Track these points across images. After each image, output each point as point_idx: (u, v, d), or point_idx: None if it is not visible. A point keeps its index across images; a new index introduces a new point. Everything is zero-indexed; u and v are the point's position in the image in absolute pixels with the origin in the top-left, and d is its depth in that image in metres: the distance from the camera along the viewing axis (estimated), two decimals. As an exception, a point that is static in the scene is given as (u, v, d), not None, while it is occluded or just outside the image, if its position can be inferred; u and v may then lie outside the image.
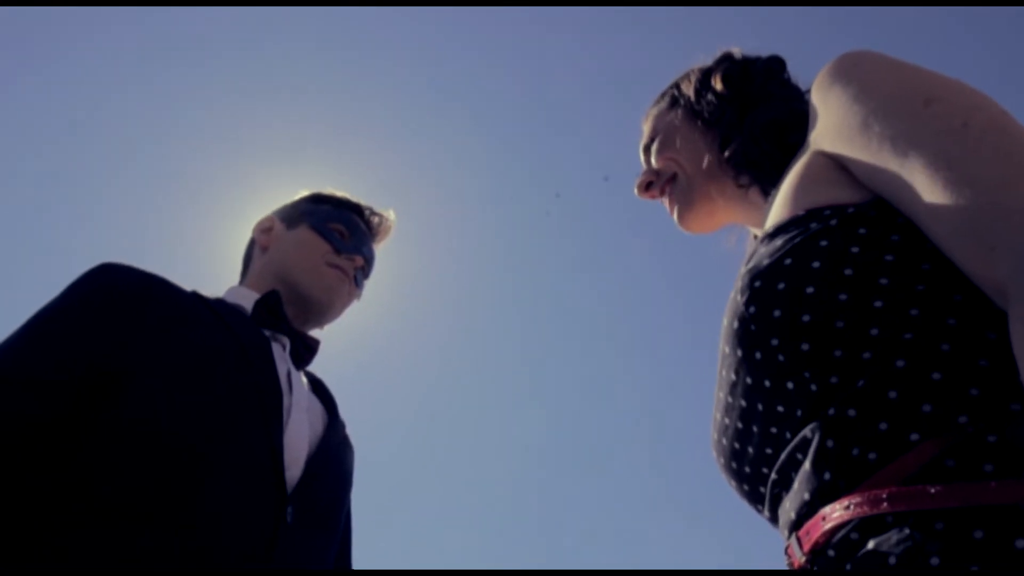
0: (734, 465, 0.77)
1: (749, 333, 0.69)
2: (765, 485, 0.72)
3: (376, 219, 1.37)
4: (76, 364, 0.91)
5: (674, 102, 1.08)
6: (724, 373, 0.75)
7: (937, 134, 0.63)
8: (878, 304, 0.62)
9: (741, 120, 0.98)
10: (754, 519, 0.83)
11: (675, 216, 1.05)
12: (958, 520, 0.52)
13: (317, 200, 1.34)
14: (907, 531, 0.54)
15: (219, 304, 1.12)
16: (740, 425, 0.74)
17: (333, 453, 1.09)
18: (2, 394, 0.87)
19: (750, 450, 0.73)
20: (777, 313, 0.66)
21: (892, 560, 0.54)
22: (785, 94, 1.00)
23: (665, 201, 1.07)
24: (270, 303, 1.17)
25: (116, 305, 0.98)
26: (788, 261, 0.68)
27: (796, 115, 0.93)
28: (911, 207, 0.64)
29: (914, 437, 0.58)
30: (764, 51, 1.06)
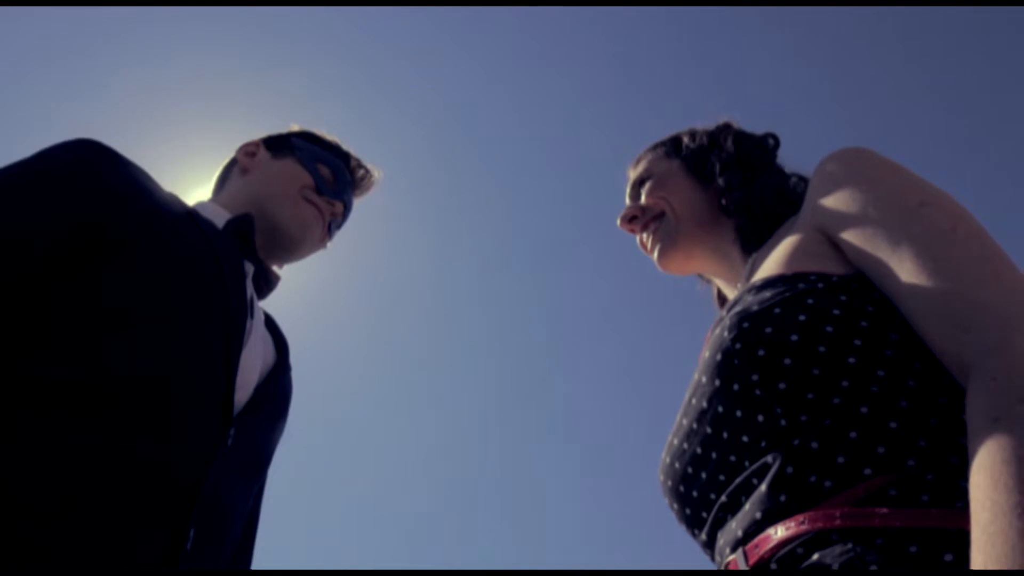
0: (682, 488, 0.82)
1: (731, 367, 0.75)
2: (709, 510, 0.78)
3: (361, 172, 1.34)
4: (53, 222, 0.83)
5: (672, 152, 1.17)
6: (694, 401, 0.81)
7: (928, 232, 0.73)
8: (851, 360, 0.71)
9: (745, 179, 1.07)
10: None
11: (655, 253, 1.12)
12: (895, 537, 0.60)
13: (308, 138, 1.31)
14: (850, 545, 0.61)
15: (194, 211, 1.06)
16: (699, 451, 0.79)
17: (280, 387, 1.04)
18: None
19: (703, 475, 0.79)
20: (761, 352, 0.73)
21: (835, 566, 0.61)
22: (779, 169, 1.11)
23: (645, 237, 1.14)
24: (243, 225, 1.11)
25: (100, 176, 0.91)
26: (777, 311, 0.75)
27: (791, 190, 1.04)
28: (893, 286, 0.74)
29: (867, 471, 0.66)
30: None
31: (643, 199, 1.15)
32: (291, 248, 1.21)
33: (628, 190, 1.21)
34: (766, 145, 1.12)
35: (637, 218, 1.14)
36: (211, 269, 0.95)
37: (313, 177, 1.23)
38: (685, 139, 1.17)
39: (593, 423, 6.36)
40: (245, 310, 0.97)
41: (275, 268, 1.21)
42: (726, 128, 1.15)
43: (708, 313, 1.20)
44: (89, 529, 0.72)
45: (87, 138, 0.95)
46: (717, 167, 1.10)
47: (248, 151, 1.27)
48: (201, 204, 1.16)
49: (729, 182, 1.07)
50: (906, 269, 0.72)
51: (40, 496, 0.70)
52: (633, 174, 1.20)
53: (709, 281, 1.22)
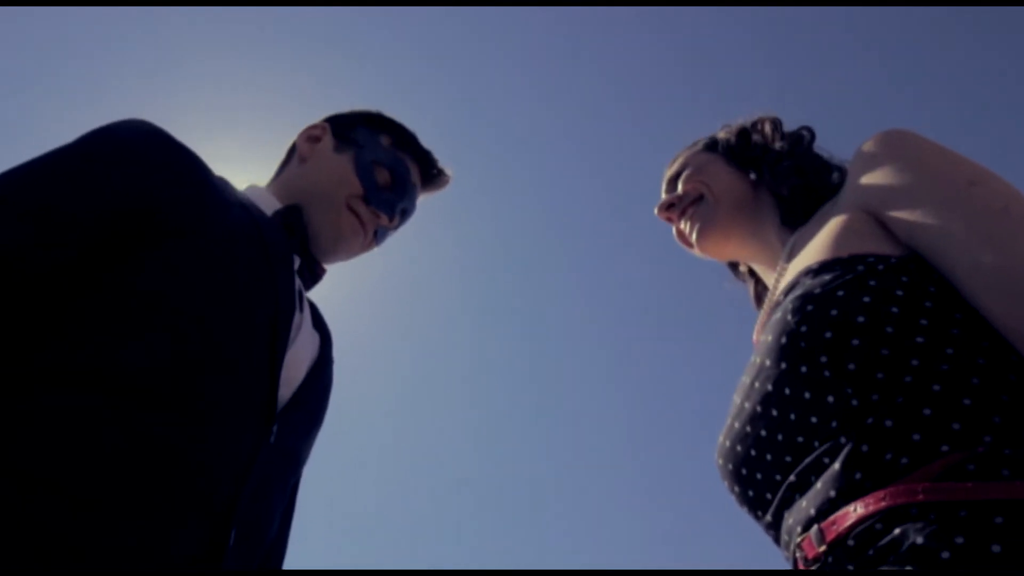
0: (744, 471, 0.82)
1: (798, 349, 0.76)
2: (775, 491, 0.78)
3: (434, 172, 1.24)
4: (99, 206, 0.81)
5: (709, 147, 1.19)
6: (756, 385, 0.81)
7: (981, 211, 0.75)
8: (919, 340, 0.71)
9: (784, 157, 1.08)
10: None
11: (693, 234, 1.13)
12: (979, 509, 0.60)
13: (378, 127, 1.19)
14: (932, 517, 0.61)
15: (245, 198, 1.03)
16: (763, 433, 0.79)
17: (321, 384, 1.02)
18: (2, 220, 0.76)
19: (768, 457, 0.79)
20: (828, 335, 0.74)
21: (919, 540, 0.60)
22: (818, 156, 1.11)
23: (683, 223, 1.15)
24: (291, 217, 1.08)
25: (150, 159, 0.88)
26: (841, 293, 0.76)
27: (830, 170, 1.06)
28: (951, 265, 0.74)
29: (944, 448, 0.66)
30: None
31: (680, 188, 1.16)
32: (325, 254, 1.14)
33: (664, 186, 1.21)
34: (801, 136, 1.13)
35: (675, 205, 1.15)
36: (261, 260, 0.92)
37: (363, 185, 1.13)
38: (720, 134, 1.19)
39: (617, 423, 6.32)
40: (293, 305, 0.94)
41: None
42: (761, 121, 1.17)
43: (738, 313, 1.20)
44: (130, 522, 0.71)
45: (137, 118, 0.92)
46: (755, 153, 1.11)
47: (311, 135, 1.19)
48: (252, 189, 1.13)
49: (768, 161, 1.08)
50: (963, 248, 0.73)
51: (70, 486, 0.69)
52: (670, 171, 1.21)
53: (742, 279, 1.22)
